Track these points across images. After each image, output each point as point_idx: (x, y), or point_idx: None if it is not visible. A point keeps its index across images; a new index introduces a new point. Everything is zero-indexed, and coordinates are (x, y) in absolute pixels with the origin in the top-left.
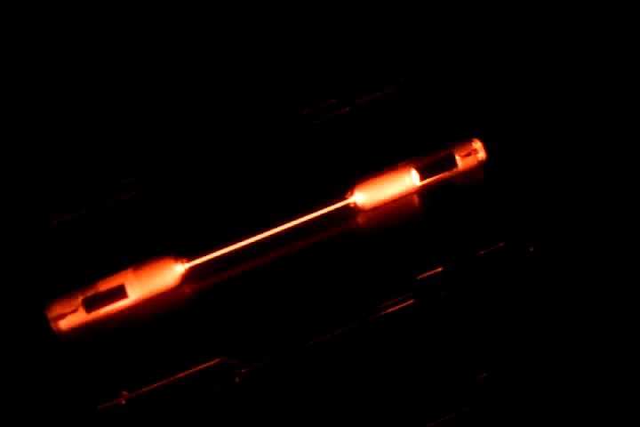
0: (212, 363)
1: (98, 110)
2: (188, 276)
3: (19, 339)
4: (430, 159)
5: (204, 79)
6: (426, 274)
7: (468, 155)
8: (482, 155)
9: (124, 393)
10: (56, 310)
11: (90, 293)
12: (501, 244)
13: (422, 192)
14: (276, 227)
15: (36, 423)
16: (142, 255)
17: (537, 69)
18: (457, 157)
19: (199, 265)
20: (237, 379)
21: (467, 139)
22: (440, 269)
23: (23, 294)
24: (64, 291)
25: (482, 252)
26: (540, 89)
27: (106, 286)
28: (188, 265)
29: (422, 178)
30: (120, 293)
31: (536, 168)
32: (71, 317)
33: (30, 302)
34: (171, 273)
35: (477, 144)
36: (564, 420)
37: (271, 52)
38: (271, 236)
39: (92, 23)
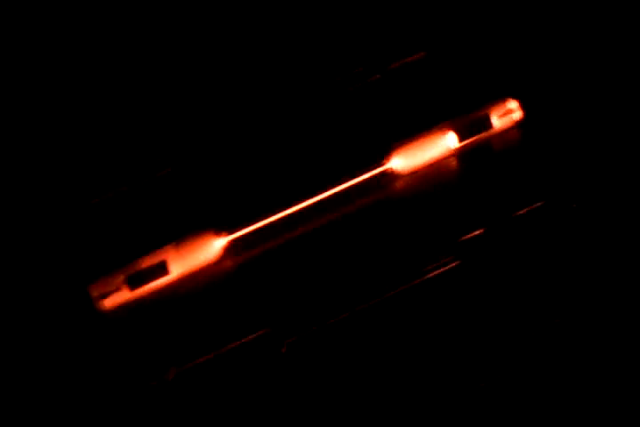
0: (257, 335)
1: (133, 90)
2: (230, 249)
3: (64, 319)
4: (465, 121)
5: (240, 50)
6: (467, 236)
7: (504, 115)
8: (518, 114)
9: (173, 369)
10: (100, 288)
11: (132, 270)
12: (540, 203)
13: (460, 154)
14: (314, 196)
15: (87, 403)
16: (183, 231)
17: (570, 25)
18: (493, 118)
19: (240, 238)
20: (284, 349)
21: (502, 99)
22: (481, 231)
23: (66, 274)
24: (107, 270)
25: (521, 211)
26: (576, 44)
27: (148, 263)
28: (228, 238)
29: (460, 140)
30: (162, 269)
31: (573, 126)
32: (115, 295)
33: (74, 281)
34: (212, 247)
35: (513, 104)
36: (605, 386)
37: (303, 22)
38: (310, 205)
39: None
